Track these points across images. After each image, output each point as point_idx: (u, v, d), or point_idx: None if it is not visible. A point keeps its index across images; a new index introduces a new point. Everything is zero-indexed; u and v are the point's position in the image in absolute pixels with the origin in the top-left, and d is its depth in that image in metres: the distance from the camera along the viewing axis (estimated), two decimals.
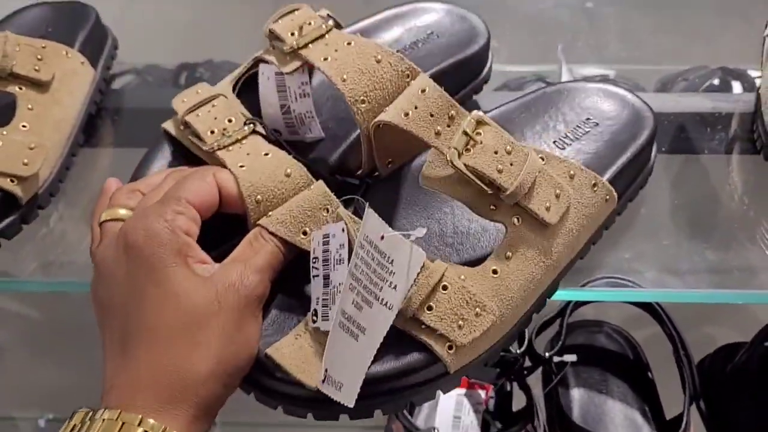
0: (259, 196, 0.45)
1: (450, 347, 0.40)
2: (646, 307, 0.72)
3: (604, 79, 0.85)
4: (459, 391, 0.70)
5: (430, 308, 0.39)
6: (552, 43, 0.87)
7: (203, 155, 0.49)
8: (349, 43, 0.48)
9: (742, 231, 0.56)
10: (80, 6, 0.68)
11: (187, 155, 0.51)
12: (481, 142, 0.42)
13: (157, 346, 0.39)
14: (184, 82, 0.84)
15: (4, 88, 0.56)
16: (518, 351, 0.69)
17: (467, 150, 0.41)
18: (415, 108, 0.42)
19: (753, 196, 0.59)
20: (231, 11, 1.00)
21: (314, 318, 0.40)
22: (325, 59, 0.48)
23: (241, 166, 0.46)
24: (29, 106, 0.56)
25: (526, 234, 0.42)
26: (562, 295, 0.52)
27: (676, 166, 0.62)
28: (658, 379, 0.75)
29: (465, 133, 0.41)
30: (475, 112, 0.42)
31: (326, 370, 0.37)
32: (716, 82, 0.83)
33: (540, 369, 0.71)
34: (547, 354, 0.67)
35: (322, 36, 0.49)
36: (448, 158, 0.41)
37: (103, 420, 0.37)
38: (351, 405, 0.37)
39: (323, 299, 0.40)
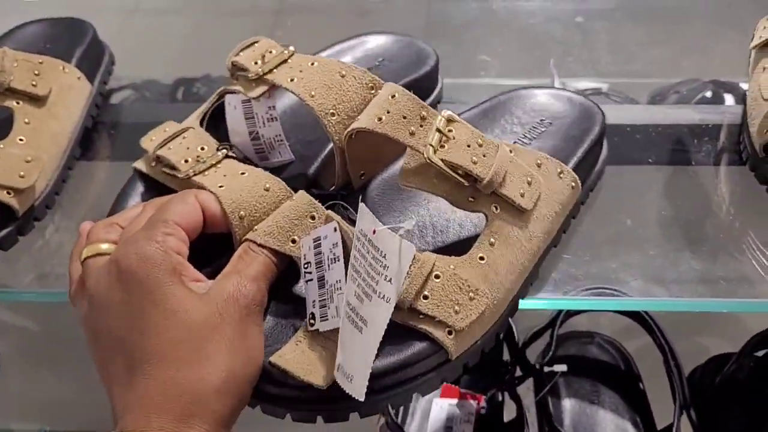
0: (242, 212, 0.46)
1: (449, 332, 0.41)
2: (637, 317, 0.73)
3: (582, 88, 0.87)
4: (451, 401, 0.70)
5: (425, 297, 0.41)
6: (544, 57, 0.88)
7: (179, 185, 0.50)
8: (312, 63, 0.51)
9: (728, 241, 0.56)
10: (78, 22, 0.70)
11: (160, 190, 0.51)
12: (454, 138, 0.44)
13: (165, 366, 0.38)
14: (182, 97, 0.86)
15: (2, 102, 0.57)
16: (509, 361, 0.69)
17: (441, 146, 0.44)
18: (388, 112, 0.44)
19: (739, 206, 0.60)
20: (229, 26, 1.01)
21: (312, 321, 0.41)
22: (292, 80, 0.50)
23: (221, 186, 0.47)
24: (26, 120, 0.57)
25: (505, 220, 0.45)
26: (550, 304, 0.53)
27: (664, 177, 0.62)
28: (650, 390, 0.75)
29: (438, 130, 0.44)
30: (444, 110, 0.45)
31: (339, 361, 0.38)
32: (708, 94, 0.84)
33: (532, 380, 0.71)
34: (537, 364, 0.67)
35: (285, 61, 0.52)
36: (425, 155, 0.43)
37: None
38: (362, 398, 0.38)
39: (320, 300, 0.41)
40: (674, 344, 0.73)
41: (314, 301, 0.41)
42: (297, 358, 0.40)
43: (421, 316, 0.41)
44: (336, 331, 0.39)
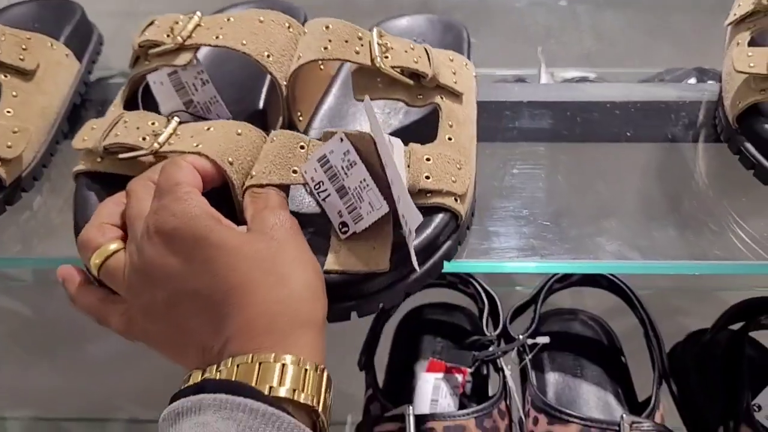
0: (229, 158, 0.47)
1: (455, 199, 0.47)
2: (619, 291, 0.74)
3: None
4: (437, 376, 0.71)
5: (428, 177, 0.46)
6: (528, 40, 0.90)
7: (142, 166, 0.48)
8: (228, 19, 0.52)
9: (703, 211, 0.57)
10: (66, 2, 0.71)
11: (117, 183, 0.49)
12: (392, 48, 0.50)
13: (251, 293, 0.39)
14: None
15: None
16: (493, 334, 0.70)
17: (386, 57, 0.50)
18: (329, 41, 0.50)
19: (714, 178, 0.61)
20: None
21: (345, 229, 0.44)
22: (217, 37, 0.51)
23: (197, 146, 0.47)
24: (14, 93, 0.58)
25: (452, 105, 0.52)
26: (529, 268, 0.55)
27: (642, 151, 0.64)
28: (633, 367, 0.76)
29: (378, 44, 0.50)
30: (373, 27, 0.51)
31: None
32: (692, 81, 0.85)
33: (518, 358, 0.72)
34: (520, 336, 0.68)
35: (198, 25, 0.53)
36: (378, 65, 0.49)
37: (238, 366, 0.38)
38: (418, 268, 0.44)
39: (347, 207, 0.44)
40: (655, 318, 0.74)
41: (340, 212, 0.44)
42: (346, 258, 0.44)
43: (428, 194, 0.46)
44: (374, 224, 0.43)
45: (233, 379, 0.37)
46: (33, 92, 0.60)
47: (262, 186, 0.45)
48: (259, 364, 0.37)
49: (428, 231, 0.46)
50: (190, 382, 0.39)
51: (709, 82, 0.84)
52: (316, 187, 0.44)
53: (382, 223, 0.44)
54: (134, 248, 0.43)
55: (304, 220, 0.46)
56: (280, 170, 0.46)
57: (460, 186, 0.47)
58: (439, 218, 0.47)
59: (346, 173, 0.44)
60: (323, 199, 0.45)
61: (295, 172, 0.45)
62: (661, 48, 0.95)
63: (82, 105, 0.67)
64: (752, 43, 0.60)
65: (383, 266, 0.43)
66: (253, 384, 0.37)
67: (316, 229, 0.46)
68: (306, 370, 0.38)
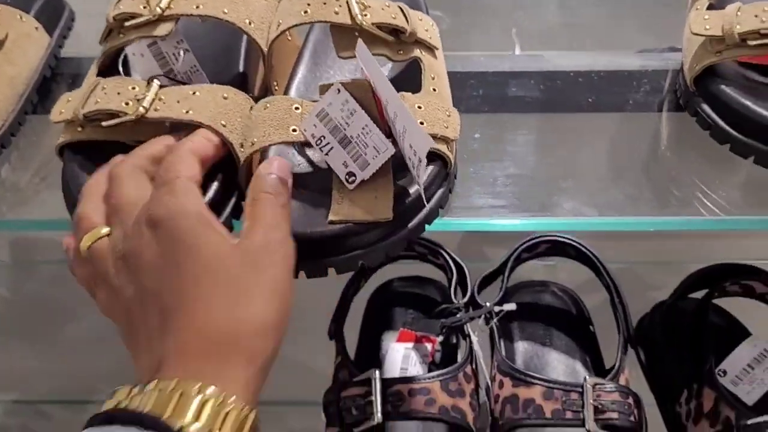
0: (222, 121, 0.47)
1: (447, 146, 0.48)
2: (585, 260, 0.75)
3: None
4: (406, 345, 0.72)
5: (422, 123, 0.47)
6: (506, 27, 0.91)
7: (129, 131, 0.48)
8: None
9: (661, 173, 0.59)
10: None
11: (105, 151, 0.49)
12: (370, 6, 0.51)
13: (200, 310, 0.38)
14: None
15: None
16: (461, 302, 0.71)
17: (365, 15, 0.51)
18: (308, 5, 0.51)
19: (676, 143, 0.62)
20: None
21: (352, 179, 0.44)
22: (197, 7, 0.52)
23: (187, 112, 0.47)
24: None
25: (430, 58, 0.53)
26: (487, 225, 0.56)
27: (604, 118, 0.65)
28: (604, 340, 0.77)
29: (357, 2, 0.51)
30: None
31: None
32: None
33: (486, 327, 0.73)
34: (487, 303, 0.69)
35: None
36: (359, 23, 0.50)
37: (159, 390, 0.36)
38: (426, 203, 0.45)
39: (352, 156, 0.45)
40: (626, 292, 0.75)
41: (345, 162, 0.45)
42: (350, 209, 0.44)
43: None
44: (375, 173, 0.44)
45: (147, 409, 0.35)
46: (1, 62, 0.60)
47: (266, 149, 0.45)
48: (180, 394, 0.36)
49: (423, 178, 0.46)
50: (110, 404, 0.37)
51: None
52: (318, 142, 0.45)
53: (382, 172, 0.44)
54: (120, 235, 0.42)
55: (299, 180, 0.46)
56: (279, 131, 0.46)
57: (452, 131, 0.48)
58: (431, 167, 0.47)
59: (347, 123, 0.44)
60: (326, 153, 0.45)
61: (294, 130, 0.46)
62: (636, 30, 0.96)
63: (53, 78, 0.68)
64: (710, 8, 0.61)
65: (387, 215, 0.44)
66: (167, 416, 0.35)
67: (312, 187, 0.46)
68: (228, 411, 0.36)
